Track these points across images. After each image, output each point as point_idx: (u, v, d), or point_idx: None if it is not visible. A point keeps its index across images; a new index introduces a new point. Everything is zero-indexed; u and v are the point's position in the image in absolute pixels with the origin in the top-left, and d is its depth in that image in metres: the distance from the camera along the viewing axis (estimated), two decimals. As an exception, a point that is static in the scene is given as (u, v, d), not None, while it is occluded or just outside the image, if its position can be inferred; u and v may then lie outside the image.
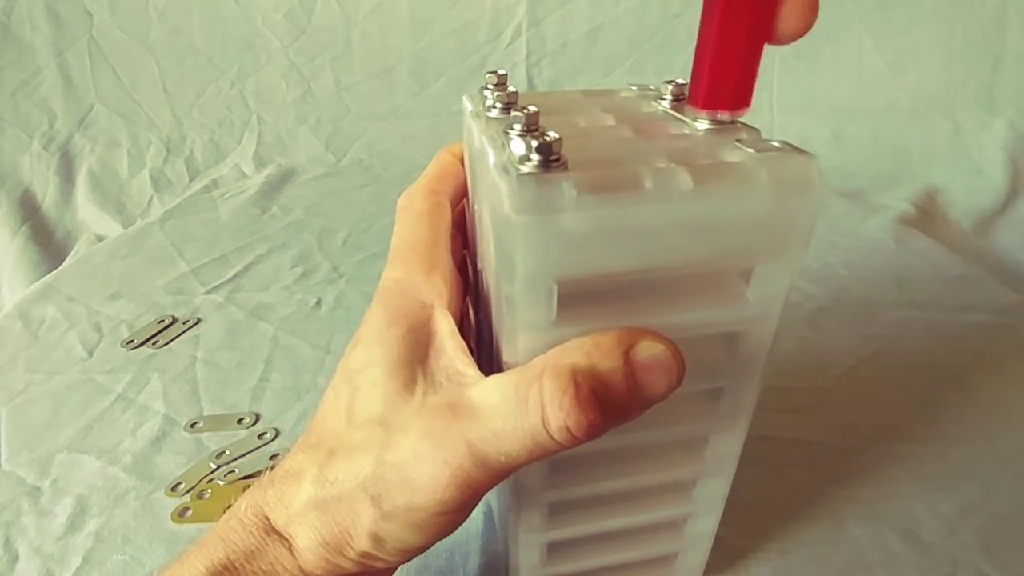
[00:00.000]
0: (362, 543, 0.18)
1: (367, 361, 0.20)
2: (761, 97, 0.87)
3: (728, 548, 0.32)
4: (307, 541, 0.18)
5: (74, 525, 0.34)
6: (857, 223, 0.68)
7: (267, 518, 0.19)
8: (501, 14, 0.91)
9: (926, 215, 0.72)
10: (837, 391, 0.44)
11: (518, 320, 0.17)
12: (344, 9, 0.92)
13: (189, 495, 0.36)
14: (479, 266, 0.23)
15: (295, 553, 0.19)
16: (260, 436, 0.40)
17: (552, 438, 0.16)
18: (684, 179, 0.16)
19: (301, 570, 0.19)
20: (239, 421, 0.42)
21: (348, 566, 0.19)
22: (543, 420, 0.16)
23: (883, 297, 0.54)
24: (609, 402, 0.16)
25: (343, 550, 0.18)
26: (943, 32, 0.83)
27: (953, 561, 0.32)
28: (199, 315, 0.54)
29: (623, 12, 0.88)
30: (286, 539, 0.19)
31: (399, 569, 0.32)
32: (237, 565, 0.18)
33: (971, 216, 0.74)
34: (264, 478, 0.20)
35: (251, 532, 0.19)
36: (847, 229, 0.66)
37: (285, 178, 0.87)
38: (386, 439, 0.18)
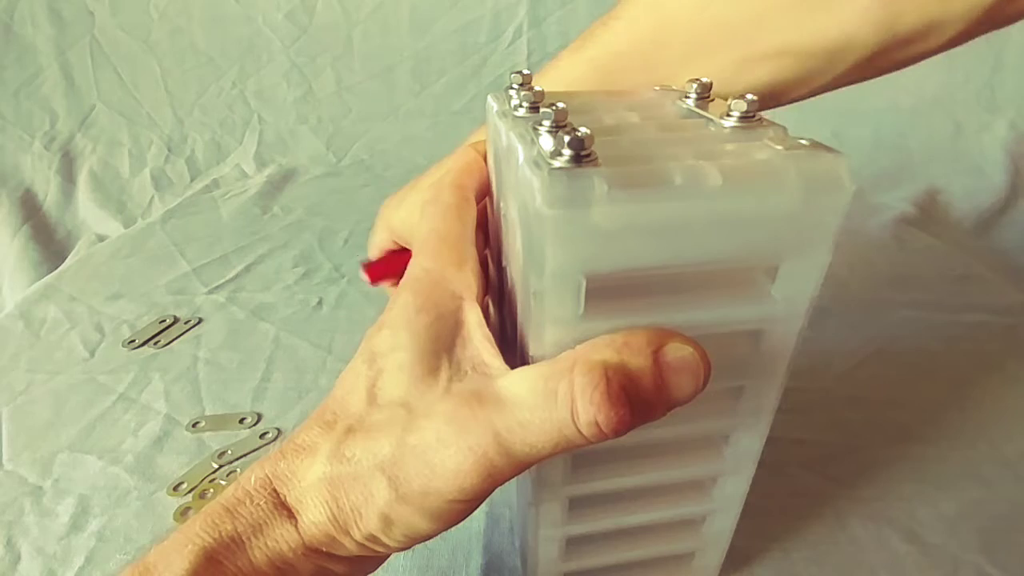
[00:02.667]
0: (370, 524, 0.18)
1: (393, 344, 0.20)
2: (762, 97, 0.87)
3: (731, 547, 0.32)
4: (315, 516, 0.18)
5: (76, 525, 0.35)
6: (858, 223, 0.68)
7: (276, 491, 0.19)
8: (502, 14, 0.91)
9: (927, 215, 0.72)
10: (838, 391, 0.44)
11: (546, 314, 0.17)
12: (345, 9, 0.92)
13: (191, 495, 0.36)
14: (503, 263, 0.23)
15: (300, 529, 0.18)
16: (262, 436, 0.40)
17: (580, 432, 0.16)
18: (713, 175, 0.16)
19: (305, 547, 0.18)
20: (241, 421, 0.42)
21: (350, 547, 0.19)
22: (572, 414, 0.16)
23: (884, 297, 0.54)
24: (637, 400, 0.16)
25: (349, 529, 0.18)
26: (944, 32, 0.83)
27: (954, 561, 0.32)
28: (200, 315, 0.54)
29: (624, 12, 0.88)
30: (292, 514, 0.19)
31: (401, 569, 0.32)
32: (244, 538, 0.18)
33: (972, 216, 0.74)
34: (275, 452, 0.20)
35: (259, 505, 0.19)
36: (848, 229, 0.66)
37: (286, 178, 0.87)
38: (409, 422, 0.18)
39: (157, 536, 0.34)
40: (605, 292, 0.17)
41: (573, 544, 0.25)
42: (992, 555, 0.32)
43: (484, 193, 0.25)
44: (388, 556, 0.21)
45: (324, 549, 0.19)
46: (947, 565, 0.32)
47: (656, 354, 0.16)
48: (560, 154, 0.16)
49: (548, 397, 0.16)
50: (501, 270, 0.24)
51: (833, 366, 0.46)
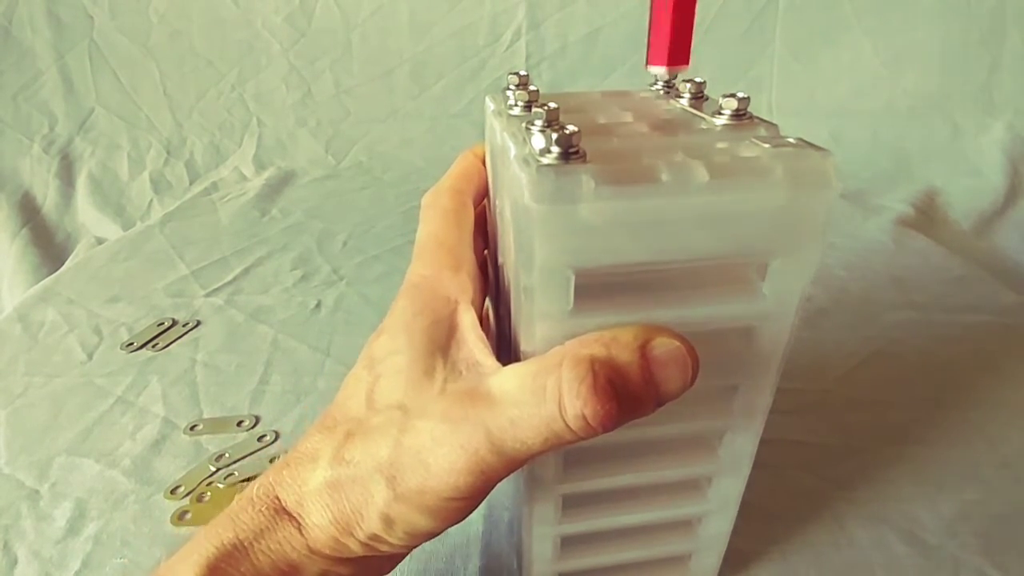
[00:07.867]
0: (372, 524, 0.18)
1: (390, 349, 0.20)
2: (760, 99, 0.88)
3: (729, 549, 0.32)
4: (319, 519, 0.19)
5: (73, 529, 0.34)
6: (856, 224, 0.68)
7: (277, 498, 0.19)
8: (500, 17, 0.91)
9: (925, 216, 0.72)
10: (837, 392, 0.44)
11: (536, 309, 0.17)
12: (344, 12, 0.92)
13: (188, 498, 0.36)
14: (500, 261, 0.24)
15: (304, 532, 0.19)
16: (260, 439, 0.40)
17: (568, 427, 0.16)
18: (700, 172, 0.16)
19: (309, 549, 0.19)
20: (239, 424, 0.42)
21: (355, 548, 0.19)
22: (560, 408, 0.16)
23: (883, 298, 0.54)
24: (625, 394, 0.16)
25: (353, 531, 0.19)
26: (941, 34, 0.83)
27: (954, 562, 0.32)
28: (199, 318, 0.54)
29: (622, 15, 0.88)
30: (295, 519, 0.19)
31: (398, 573, 0.32)
32: (246, 544, 0.19)
33: (970, 217, 0.74)
34: (279, 461, 0.21)
35: (260, 511, 0.19)
36: (846, 230, 0.66)
37: (285, 181, 0.87)
38: (405, 423, 0.18)
39: (154, 539, 0.34)
40: (595, 288, 0.17)
41: (567, 543, 0.25)
42: (992, 556, 0.32)
43: (482, 197, 0.25)
44: (401, 557, 0.21)
45: (329, 552, 0.19)
46: (947, 567, 0.32)
47: (643, 348, 0.16)
48: (549, 151, 0.16)
49: (536, 393, 0.17)
50: (498, 269, 0.24)
51: (831, 367, 0.46)
